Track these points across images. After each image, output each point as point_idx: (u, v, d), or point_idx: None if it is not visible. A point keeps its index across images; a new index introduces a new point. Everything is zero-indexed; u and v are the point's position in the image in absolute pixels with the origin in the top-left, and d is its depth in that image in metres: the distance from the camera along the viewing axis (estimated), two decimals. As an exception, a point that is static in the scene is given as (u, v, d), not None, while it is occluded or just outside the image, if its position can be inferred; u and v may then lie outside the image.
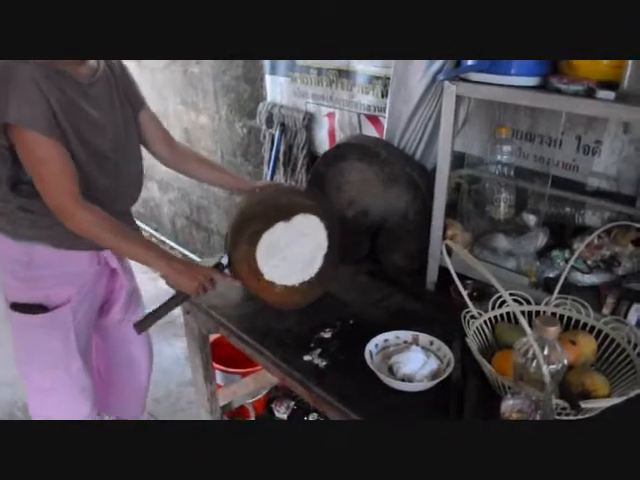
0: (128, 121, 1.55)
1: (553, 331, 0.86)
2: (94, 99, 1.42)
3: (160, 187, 3.57)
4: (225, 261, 1.42)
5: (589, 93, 1.15)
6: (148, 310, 1.45)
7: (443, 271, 1.50)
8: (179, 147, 1.73)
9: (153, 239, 3.83)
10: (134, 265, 1.70)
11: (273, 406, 2.36)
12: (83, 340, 1.66)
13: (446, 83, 1.33)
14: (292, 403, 2.35)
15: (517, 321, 1.26)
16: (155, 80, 3.17)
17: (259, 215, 1.38)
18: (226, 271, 1.44)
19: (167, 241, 3.68)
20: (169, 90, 3.09)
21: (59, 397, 1.68)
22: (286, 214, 1.37)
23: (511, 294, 1.09)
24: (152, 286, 3.48)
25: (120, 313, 1.81)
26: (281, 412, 2.34)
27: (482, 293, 1.45)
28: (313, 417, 2.28)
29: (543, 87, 1.23)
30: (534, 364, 0.87)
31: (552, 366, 0.86)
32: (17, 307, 1.55)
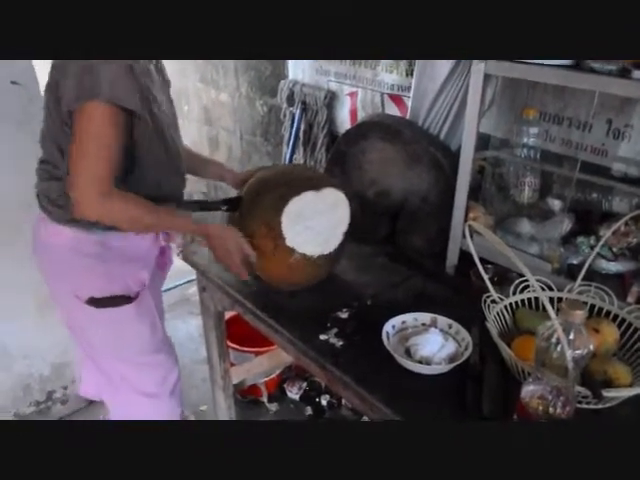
0: (169, 95, 1.49)
1: (580, 315, 0.83)
2: (152, 74, 1.36)
3: (178, 165, 3.56)
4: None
5: (623, 73, 1.11)
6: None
7: (463, 254, 1.48)
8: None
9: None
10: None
11: (285, 386, 2.37)
12: (162, 317, 1.66)
13: (474, 61, 1.29)
14: (304, 384, 2.36)
15: (538, 307, 1.25)
16: (176, 56, 3.14)
17: (287, 182, 1.38)
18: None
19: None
20: (189, 67, 3.07)
21: (153, 373, 1.65)
22: (315, 185, 1.37)
23: (534, 279, 1.07)
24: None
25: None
26: (293, 393, 2.35)
27: (502, 278, 1.42)
28: (325, 399, 2.29)
29: (576, 66, 1.19)
30: (558, 349, 0.84)
31: (577, 351, 0.84)
32: (97, 302, 1.47)
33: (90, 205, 1.24)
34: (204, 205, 1.49)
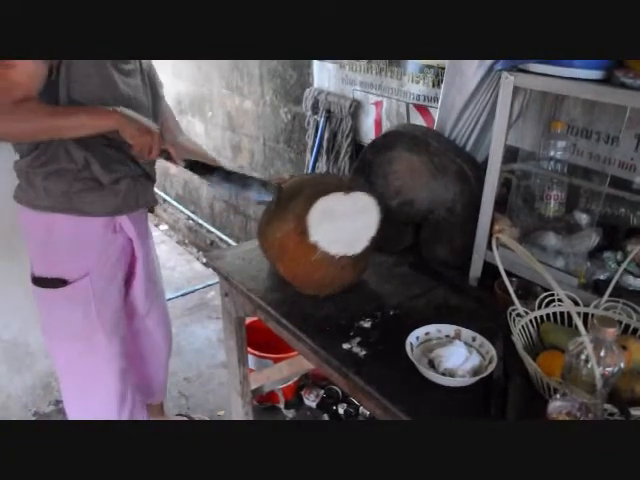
0: (155, 105, 1.60)
1: (612, 332, 0.83)
2: (125, 73, 1.47)
3: (200, 170, 3.58)
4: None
5: (656, 89, 1.10)
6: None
7: (486, 267, 1.47)
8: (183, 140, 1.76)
9: (191, 222, 3.86)
10: (164, 253, 1.72)
11: (302, 393, 2.37)
12: (107, 312, 1.67)
13: (504, 73, 1.29)
14: (321, 392, 2.36)
15: (564, 321, 1.24)
16: (201, 62, 3.18)
17: (321, 183, 1.43)
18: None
19: (205, 224, 3.70)
20: (215, 73, 3.10)
21: (86, 367, 1.71)
22: (347, 188, 1.40)
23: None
24: (188, 268, 3.53)
25: (141, 292, 1.83)
26: (310, 400, 2.35)
27: (527, 291, 1.41)
28: (342, 407, 2.28)
29: (607, 81, 1.18)
30: (588, 366, 0.84)
31: (608, 369, 0.83)
32: (39, 281, 1.58)
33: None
34: (243, 178, 1.54)
